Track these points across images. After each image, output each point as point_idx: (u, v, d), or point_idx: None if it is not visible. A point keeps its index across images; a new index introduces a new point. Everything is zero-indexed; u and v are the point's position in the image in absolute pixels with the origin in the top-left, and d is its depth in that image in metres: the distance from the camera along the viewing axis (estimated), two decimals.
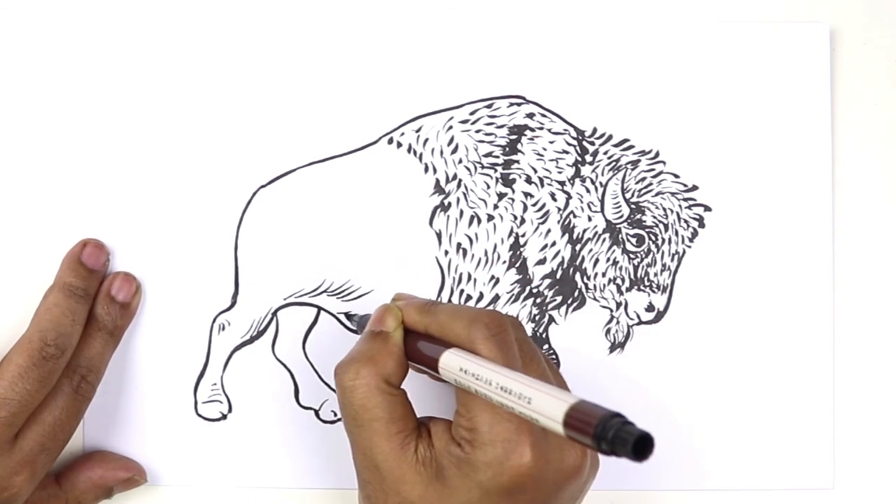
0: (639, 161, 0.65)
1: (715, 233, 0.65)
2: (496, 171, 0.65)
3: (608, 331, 0.65)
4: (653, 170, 0.65)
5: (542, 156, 0.65)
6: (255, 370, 0.65)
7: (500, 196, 0.65)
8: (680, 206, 0.65)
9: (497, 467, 0.51)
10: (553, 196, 0.65)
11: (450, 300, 0.65)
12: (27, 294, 0.62)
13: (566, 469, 0.53)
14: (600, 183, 0.65)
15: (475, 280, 0.65)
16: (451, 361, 0.53)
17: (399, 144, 0.65)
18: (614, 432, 0.44)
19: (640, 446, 0.43)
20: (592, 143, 0.65)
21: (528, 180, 0.65)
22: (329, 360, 0.65)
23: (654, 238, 0.65)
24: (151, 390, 0.64)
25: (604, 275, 0.65)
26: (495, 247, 0.65)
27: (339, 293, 0.65)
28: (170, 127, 0.64)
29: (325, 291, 0.65)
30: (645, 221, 0.65)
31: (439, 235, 0.65)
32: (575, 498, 0.54)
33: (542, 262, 0.65)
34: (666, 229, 0.65)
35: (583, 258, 0.65)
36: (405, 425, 0.54)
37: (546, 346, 0.65)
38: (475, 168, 0.65)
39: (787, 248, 0.65)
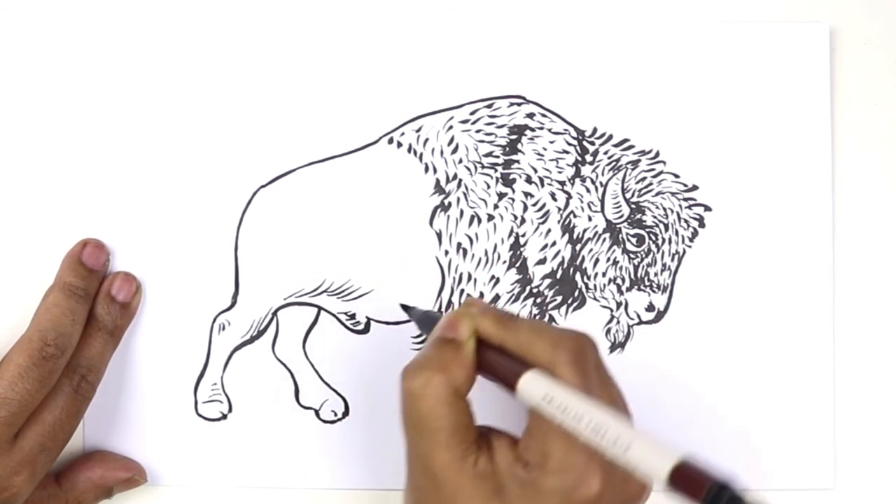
0: (639, 161, 0.65)
1: (715, 233, 0.65)
2: (496, 170, 0.65)
3: (608, 331, 0.65)
4: (653, 170, 0.65)
5: (542, 156, 0.65)
6: (255, 370, 0.65)
7: (501, 196, 0.65)
8: (680, 205, 0.65)
9: (565, 496, 0.50)
10: (553, 196, 0.65)
11: (450, 300, 0.64)
12: (27, 294, 0.62)
13: (627, 497, 0.52)
14: (600, 183, 0.65)
15: (475, 280, 0.65)
16: (535, 386, 0.51)
17: (399, 144, 0.65)
18: (726, 498, 0.43)
19: None
20: (592, 143, 0.65)
21: (529, 180, 0.65)
22: (329, 360, 0.65)
23: (654, 238, 0.65)
24: (151, 390, 0.64)
25: (604, 275, 0.65)
26: (495, 247, 0.65)
27: (339, 293, 0.65)
28: (170, 127, 0.64)
29: (325, 291, 0.65)
30: (645, 221, 0.65)
31: (439, 235, 0.65)
32: None
33: (542, 261, 0.65)
34: (666, 229, 0.65)
35: (583, 258, 0.65)
36: (467, 436, 0.52)
37: None
38: (475, 168, 0.65)
39: (787, 248, 0.65)
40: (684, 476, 0.45)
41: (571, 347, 0.52)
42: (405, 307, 0.62)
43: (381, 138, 0.65)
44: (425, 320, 0.59)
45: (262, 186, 0.64)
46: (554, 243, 0.65)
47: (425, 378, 0.52)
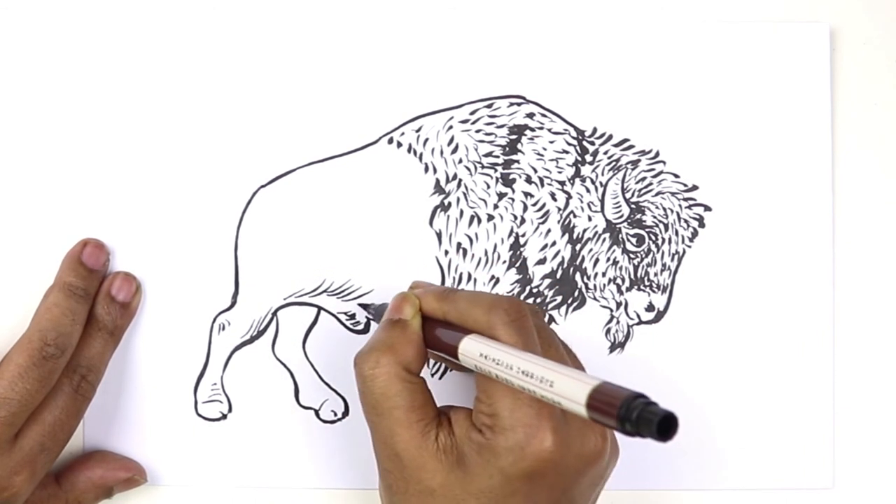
0: (639, 161, 0.65)
1: (715, 233, 0.65)
2: (496, 170, 0.65)
3: (608, 331, 0.65)
4: (653, 170, 0.65)
5: (542, 156, 0.65)
6: (255, 370, 0.65)
7: (500, 196, 0.65)
8: (680, 205, 0.65)
9: (518, 452, 0.51)
10: (553, 196, 0.65)
11: None
12: (27, 294, 0.62)
13: (587, 454, 0.53)
14: (600, 183, 0.65)
15: (475, 280, 0.65)
16: (471, 347, 0.53)
17: (399, 144, 0.65)
18: (638, 413, 0.44)
19: (664, 426, 0.43)
20: (592, 143, 0.65)
21: (529, 180, 0.65)
22: (329, 360, 0.65)
23: (654, 238, 0.65)
24: (151, 390, 0.64)
25: (604, 275, 0.65)
26: (495, 247, 0.65)
27: (339, 293, 0.65)
28: (170, 127, 0.64)
29: (325, 291, 0.65)
30: (645, 221, 0.65)
31: (439, 235, 0.65)
32: (595, 484, 0.55)
33: (542, 261, 0.65)
34: (666, 229, 0.65)
35: (583, 258, 0.65)
36: (425, 413, 0.54)
37: None
38: (475, 168, 0.65)
39: (787, 248, 0.65)
40: (601, 400, 0.46)
41: (507, 309, 0.53)
42: (364, 306, 0.64)
43: (381, 138, 0.65)
44: (380, 312, 0.60)
45: (262, 186, 0.64)
46: (554, 243, 0.65)
47: (374, 359, 0.54)
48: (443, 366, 0.64)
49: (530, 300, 0.65)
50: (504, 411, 0.52)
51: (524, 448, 0.51)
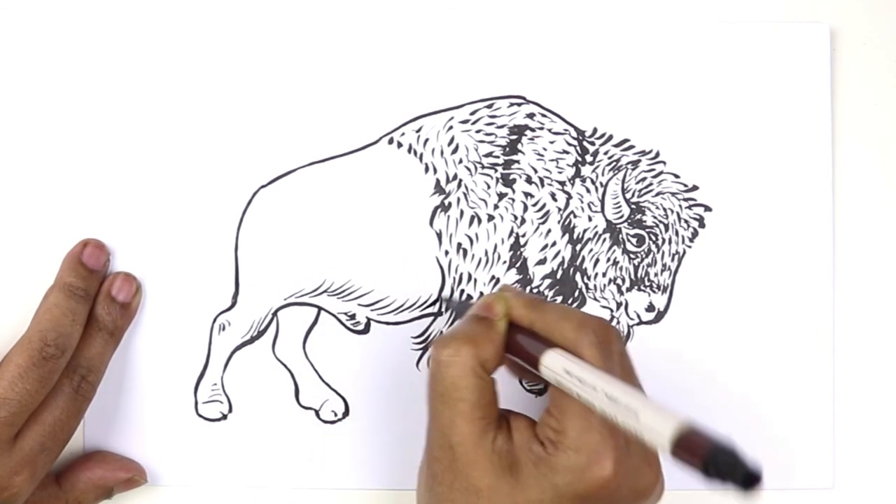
0: (639, 161, 0.65)
1: (715, 233, 0.65)
2: (496, 171, 0.65)
3: None
4: (653, 170, 0.65)
5: (542, 156, 0.65)
6: (255, 370, 0.65)
7: (501, 196, 0.65)
8: (680, 206, 0.65)
9: (577, 474, 0.51)
10: (553, 196, 0.65)
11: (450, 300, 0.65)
12: (27, 294, 0.62)
13: (640, 489, 0.53)
14: (600, 183, 0.65)
15: (475, 280, 0.65)
16: (556, 361, 0.52)
17: (399, 144, 0.65)
18: (725, 461, 0.43)
19: (750, 478, 0.42)
20: (593, 143, 0.65)
21: (529, 180, 0.65)
22: (329, 360, 0.65)
23: (654, 238, 0.65)
24: (151, 390, 0.64)
25: (604, 275, 0.65)
26: (495, 247, 0.65)
27: (339, 293, 0.65)
28: (170, 127, 0.64)
29: (325, 291, 0.65)
30: (645, 221, 0.65)
31: (439, 235, 0.65)
32: None
33: (542, 262, 0.65)
34: (666, 229, 0.65)
35: (583, 258, 0.65)
36: (489, 412, 0.54)
37: None
38: (475, 168, 0.65)
39: (787, 248, 0.65)
40: (688, 440, 0.45)
41: (596, 329, 0.53)
42: (442, 299, 0.64)
43: (381, 138, 0.65)
44: (462, 308, 0.60)
45: (262, 186, 0.64)
46: (554, 243, 0.65)
47: (454, 348, 0.54)
48: None
49: None
50: (572, 430, 0.51)
51: (584, 471, 0.51)
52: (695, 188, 0.65)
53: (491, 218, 0.65)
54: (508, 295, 0.57)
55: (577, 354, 0.52)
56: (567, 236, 0.65)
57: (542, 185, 0.65)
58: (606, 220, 0.65)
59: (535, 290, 0.65)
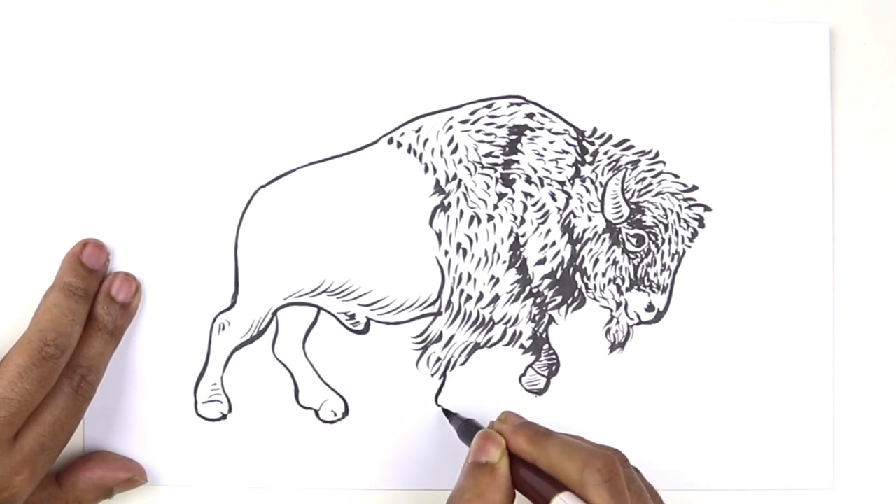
0: (639, 161, 0.65)
1: (715, 233, 0.65)
2: (496, 171, 0.65)
3: (608, 331, 0.65)
4: (653, 170, 0.65)
5: (542, 156, 0.65)
6: (255, 370, 0.65)
7: (500, 196, 0.65)
8: (680, 206, 0.65)
9: None
10: (553, 196, 0.65)
11: (450, 301, 0.65)
12: (27, 294, 0.62)
13: None
14: (600, 183, 0.65)
15: (475, 280, 0.65)
16: None
17: (399, 144, 0.65)
18: None
19: None
20: (592, 143, 0.65)
21: (528, 180, 0.65)
22: (329, 360, 0.65)
23: (654, 238, 0.65)
24: (151, 390, 0.64)
25: (604, 275, 0.65)
26: (495, 247, 0.65)
27: (339, 293, 0.65)
28: (170, 127, 0.64)
29: (325, 291, 0.65)
30: (645, 221, 0.65)
31: (439, 235, 0.65)
32: None
33: (542, 261, 0.65)
34: (666, 229, 0.65)
35: (583, 258, 0.65)
36: None
37: (546, 346, 0.65)
38: (475, 168, 0.65)
39: (787, 248, 0.65)
40: None
41: (601, 468, 0.52)
42: (447, 412, 0.64)
43: (381, 138, 0.65)
44: (465, 429, 0.60)
45: (262, 186, 0.64)
46: (554, 243, 0.65)
47: None
48: (442, 366, 0.64)
49: (530, 300, 0.65)
50: None
51: None
52: (694, 188, 0.65)
53: (490, 218, 0.65)
54: (506, 427, 0.57)
55: (584, 496, 0.52)
56: (567, 236, 0.65)
57: (542, 185, 0.65)
58: (606, 220, 0.65)
59: (534, 290, 0.65)
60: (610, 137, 0.65)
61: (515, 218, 0.65)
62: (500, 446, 0.56)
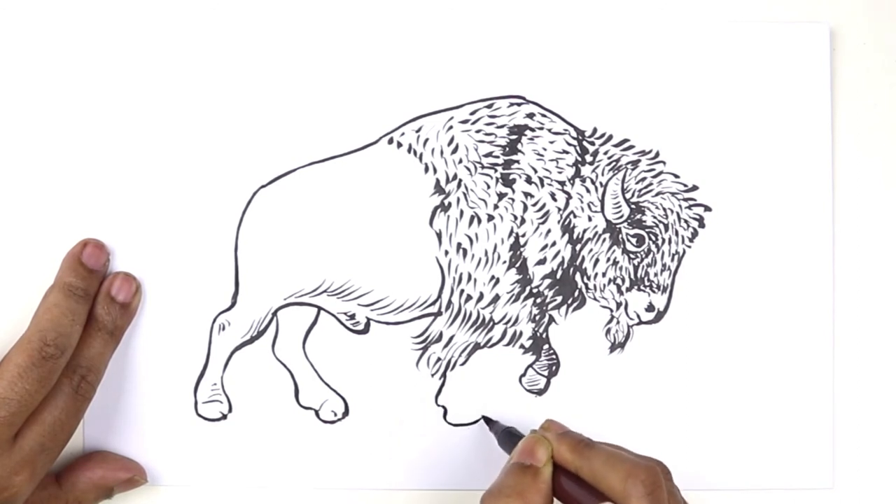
0: (639, 161, 0.65)
1: (715, 233, 0.65)
2: (496, 171, 0.65)
3: (608, 331, 0.65)
4: (653, 170, 0.65)
5: (542, 156, 0.65)
6: (255, 370, 0.65)
7: (501, 196, 0.65)
8: (680, 206, 0.65)
9: None
10: (553, 196, 0.65)
11: (450, 301, 0.65)
12: (27, 294, 0.62)
13: None
14: (600, 183, 0.65)
15: (475, 280, 0.65)
16: None
17: (399, 144, 0.65)
18: None
19: None
20: (592, 143, 0.65)
21: (529, 180, 0.65)
22: (329, 360, 0.65)
23: (654, 238, 0.65)
24: (151, 390, 0.64)
25: (604, 275, 0.65)
26: (495, 247, 0.65)
27: (339, 293, 0.65)
28: (170, 127, 0.64)
29: (325, 291, 0.65)
30: (645, 221, 0.65)
31: (439, 235, 0.65)
32: None
33: (542, 262, 0.65)
34: (666, 229, 0.65)
35: (583, 258, 0.65)
36: None
37: (546, 346, 0.65)
38: (475, 168, 0.65)
39: (787, 248, 0.65)
40: None
41: (644, 480, 0.53)
42: (487, 420, 0.64)
43: (381, 138, 0.65)
44: (506, 437, 0.60)
45: (262, 186, 0.64)
46: (554, 243, 0.65)
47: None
48: (442, 366, 0.64)
49: (530, 300, 0.65)
50: None
51: None
52: (694, 188, 0.65)
53: (491, 218, 0.65)
54: (550, 435, 0.57)
55: None
56: (567, 236, 0.65)
57: (542, 185, 0.65)
58: (606, 220, 0.65)
59: (534, 290, 0.65)
60: (610, 137, 0.65)
61: (515, 218, 0.65)
62: (548, 451, 0.56)
